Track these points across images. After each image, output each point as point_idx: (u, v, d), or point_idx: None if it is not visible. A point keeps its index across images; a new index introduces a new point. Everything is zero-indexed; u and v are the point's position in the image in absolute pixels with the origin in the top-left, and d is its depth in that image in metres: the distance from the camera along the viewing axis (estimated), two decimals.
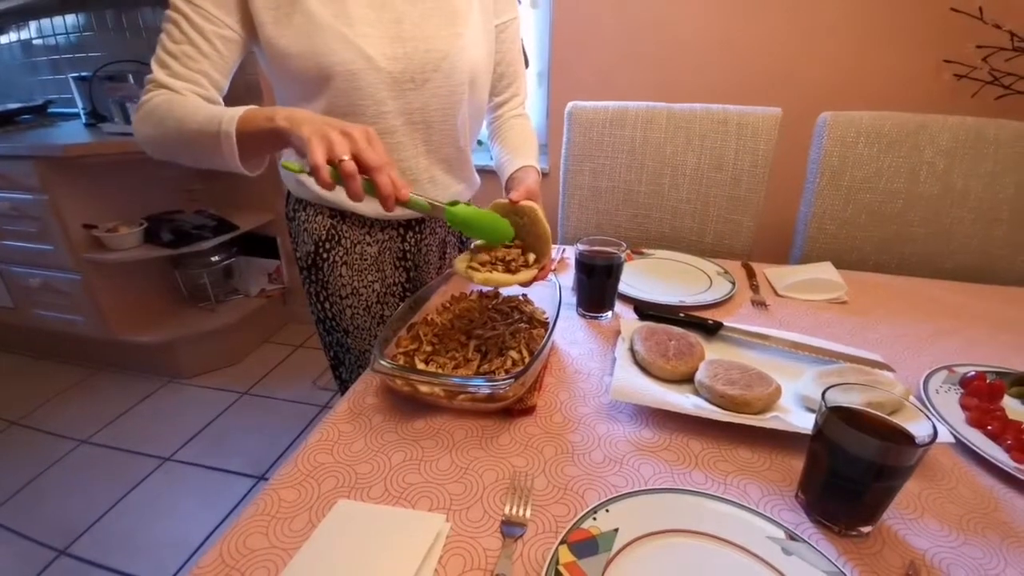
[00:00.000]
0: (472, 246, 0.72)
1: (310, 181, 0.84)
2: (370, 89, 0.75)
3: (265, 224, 2.30)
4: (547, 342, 0.65)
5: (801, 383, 0.66)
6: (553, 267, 0.75)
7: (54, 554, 1.40)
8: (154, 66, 0.68)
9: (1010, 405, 0.65)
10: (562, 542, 0.44)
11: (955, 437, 0.58)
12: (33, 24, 2.36)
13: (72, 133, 2.02)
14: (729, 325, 0.79)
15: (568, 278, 0.97)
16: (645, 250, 1.16)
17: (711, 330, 0.79)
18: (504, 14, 0.88)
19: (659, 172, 1.27)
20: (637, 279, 1.00)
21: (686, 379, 0.68)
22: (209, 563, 0.45)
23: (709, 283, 1.00)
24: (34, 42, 2.41)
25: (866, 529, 0.47)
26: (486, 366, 0.67)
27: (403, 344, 0.70)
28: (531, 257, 0.70)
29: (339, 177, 0.55)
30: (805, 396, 0.63)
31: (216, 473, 1.68)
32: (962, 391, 0.68)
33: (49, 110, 2.44)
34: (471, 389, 0.59)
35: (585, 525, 0.46)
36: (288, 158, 0.73)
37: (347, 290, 0.91)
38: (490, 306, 0.80)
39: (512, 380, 0.57)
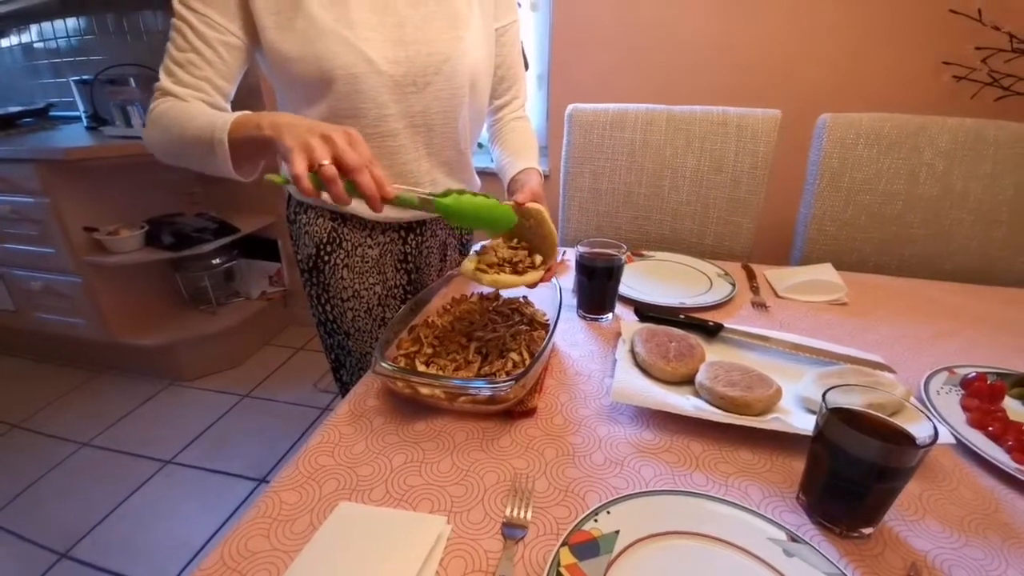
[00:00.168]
0: (478, 248, 0.72)
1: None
2: (372, 92, 0.75)
3: (266, 227, 2.30)
4: (548, 344, 0.65)
5: (802, 385, 0.66)
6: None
7: (55, 557, 1.40)
8: (161, 74, 0.70)
9: (1011, 406, 0.65)
10: (563, 544, 0.44)
11: (956, 438, 0.58)
12: (34, 27, 2.37)
13: (73, 136, 2.02)
14: (729, 327, 0.79)
15: (569, 280, 0.97)
16: (645, 252, 1.16)
17: (712, 332, 0.79)
18: (504, 17, 0.88)
19: (659, 174, 1.27)
20: (637, 281, 1.00)
21: (687, 381, 0.68)
22: (210, 566, 0.45)
23: (709, 285, 1.00)
24: (35, 45, 2.42)
25: (867, 530, 0.47)
26: (487, 368, 0.67)
27: (404, 346, 0.71)
28: (537, 259, 0.71)
29: (321, 183, 0.55)
30: (806, 398, 0.63)
31: (217, 476, 1.68)
32: (963, 392, 0.68)
33: (50, 113, 2.45)
34: (472, 391, 0.60)
35: (586, 527, 0.46)
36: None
37: (348, 293, 0.91)
38: (491, 308, 0.80)
39: (513, 382, 0.57)
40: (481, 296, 0.84)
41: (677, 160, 1.25)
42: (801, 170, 1.25)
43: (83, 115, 2.19)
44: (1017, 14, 1.39)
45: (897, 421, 0.48)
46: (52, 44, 2.37)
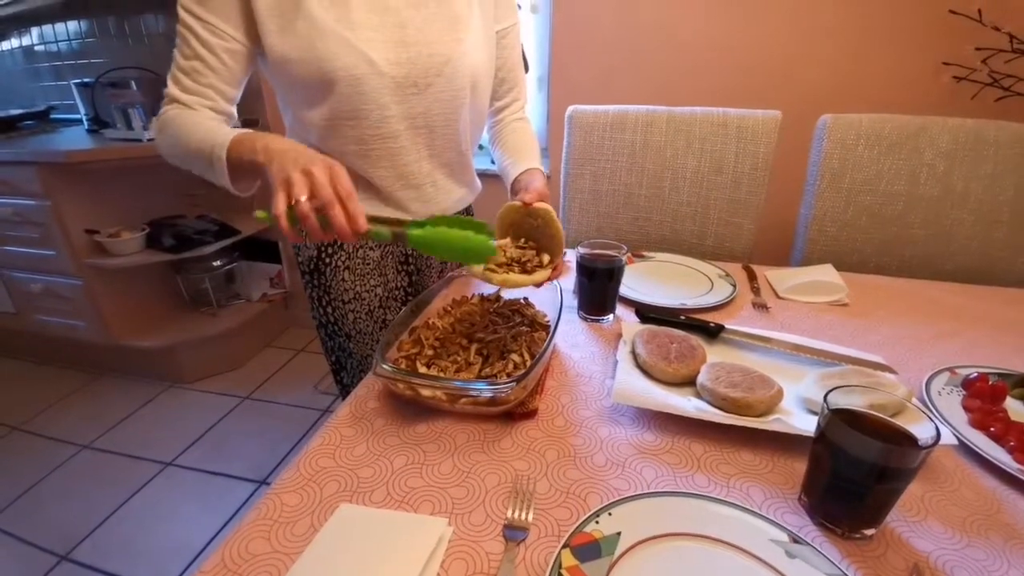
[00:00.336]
0: None
1: None
2: (373, 94, 0.75)
3: (267, 229, 2.30)
4: (549, 345, 0.65)
5: (803, 385, 0.66)
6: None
7: (55, 559, 1.40)
8: (169, 81, 0.72)
9: (1012, 407, 0.65)
10: (565, 546, 0.44)
11: (958, 439, 0.58)
12: (35, 30, 2.38)
13: (74, 139, 2.03)
14: (731, 328, 0.79)
15: (569, 281, 0.97)
16: (646, 253, 1.16)
17: (712, 333, 0.79)
18: (505, 20, 0.89)
19: (659, 175, 1.27)
20: (638, 282, 1.00)
21: (688, 382, 0.68)
22: (211, 568, 0.45)
23: (710, 286, 1.00)
24: (36, 48, 2.42)
25: (869, 532, 0.47)
26: (488, 370, 0.67)
27: (405, 348, 0.71)
28: (545, 258, 0.72)
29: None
30: (807, 398, 0.63)
31: (218, 478, 1.68)
32: (964, 393, 0.68)
33: (51, 116, 2.45)
34: (473, 393, 0.60)
35: (588, 529, 0.46)
36: None
37: (349, 295, 0.91)
38: (491, 309, 0.80)
39: (514, 383, 0.57)
40: (482, 297, 0.84)
41: (677, 161, 1.25)
42: (801, 171, 1.25)
43: (84, 118, 2.19)
44: (1017, 14, 1.39)
45: (899, 422, 0.48)
46: (53, 47, 2.38)
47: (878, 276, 1.08)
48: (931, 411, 0.64)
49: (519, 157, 0.91)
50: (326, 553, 0.45)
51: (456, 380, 0.63)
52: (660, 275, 1.06)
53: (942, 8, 1.44)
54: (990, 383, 0.66)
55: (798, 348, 0.74)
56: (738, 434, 0.59)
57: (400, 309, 0.96)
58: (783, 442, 0.58)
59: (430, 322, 0.76)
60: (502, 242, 0.73)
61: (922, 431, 0.46)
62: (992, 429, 0.60)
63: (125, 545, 1.44)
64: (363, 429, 0.61)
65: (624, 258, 0.84)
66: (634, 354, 0.73)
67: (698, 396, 0.65)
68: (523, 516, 0.49)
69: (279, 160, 0.59)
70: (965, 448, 0.58)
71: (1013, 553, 0.46)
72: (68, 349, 2.22)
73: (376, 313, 0.94)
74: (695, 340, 0.73)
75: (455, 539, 0.47)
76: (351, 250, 0.90)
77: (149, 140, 1.85)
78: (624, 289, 0.91)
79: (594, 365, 0.75)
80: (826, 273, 1.00)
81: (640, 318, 0.85)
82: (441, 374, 0.66)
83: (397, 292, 0.97)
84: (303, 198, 0.56)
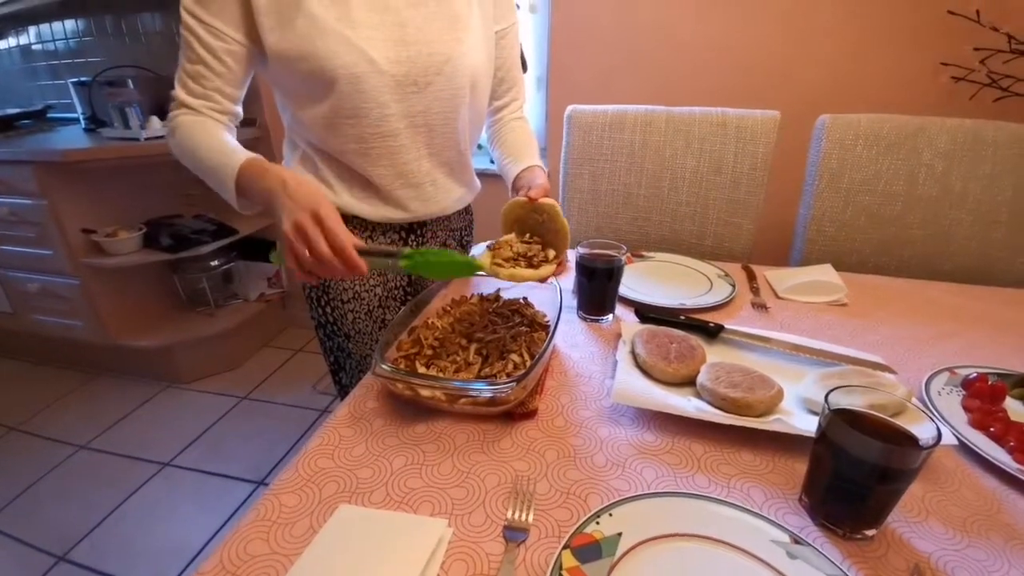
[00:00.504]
0: (489, 244, 0.73)
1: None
2: (373, 92, 0.75)
3: (265, 228, 2.30)
4: (548, 345, 0.64)
5: (803, 386, 0.66)
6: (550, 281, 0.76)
7: (53, 560, 1.40)
8: (176, 85, 0.75)
9: (1012, 407, 0.65)
10: (565, 547, 0.44)
11: (958, 439, 0.58)
12: (32, 29, 2.37)
13: (71, 138, 2.02)
14: (730, 328, 0.79)
15: (569, 281, 0.97)
16: (645, 253, 1.16)
17: (712, 333, 0.79)
18: (504, 20, 0.89)
19: (658, 175, 1.27)
20: (637, 282, 1.00)
21: (687, 382, 0.68)
22: (209, 569, 0.44)
23: (709, 286, 1.00)
24: (33, 47, 2.41)
25: (871, 532, 0.47)
26: (487, 370, 0.66)
27: (404, 348, 0.70)
28: (551, 253, 0.72)
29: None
30: (807, 399, 0.63)
31: (215, 478, 1.68)
32: (964, 393, 0.68)
33: (48, 115, 2.44)
34: (472, 393, 0.59)
35: (588, 529, 0.45)
36: None
37: (348, 294, 0.91)
38: (491, 309, 0.80)
39: (514, 384, 0.57)
40: (481, 297, 0.84)
41: (677, 161, 1.25)
42: (800, 171, 1.25)
43: (81, 117, 2.18)
44: (1015, 15, 1.39)
45: (899, 422, 0.48)
46: (50, 46, 2.37)
47: (877, 276, 1.08)
48: (931, 411, 0.64)
49: (519, 155, 0.91)
50: (325, 554, 0.45)
51: (455, 380, 0.63)
52: (659, 275, 1.06)
53: (940, 8, 1.44)
54: (990, 383, 0.66)
55: (797, 348, 0.74)
56: (738, 434, 0.59)
57: (399, 309, 0.96)
58: (783, 442, 0.58)
59: (429, 322, 0.76)
60: (507, 237, 0.74)
61: (923, 431, 0.46)
62: (992, 429, 0.60)
63: (123, 546, 1.44)
64: (362, 429, 0.61)
65: (623, 258, 0.84)
66: (634, 354, 0.72)
67: (698, 396, 0.65)
68: (523, 517, 0.49)
69: (281, 211, 0.63)
70: (965, 448, 0.58)
71: (1013, 553, 0.46)
72: (65, 349, 2.21)
73: (375, 313, 0.94)
74: (695, 340, 0.73)
75: (455, 540, 0.47)
76: None
77: (146, 139, 1.84)
78: (623, 289, 0.91)
79: (593, 365, 0.75)
80: (825, 273, 1.00)
81: (639, 318, 0.85)
82: (440, 374, 0.66)
83: (396, 292, 0.97)
84: (306, 253, 0.60)
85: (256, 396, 2.09)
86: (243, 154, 0.70)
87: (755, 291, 0.99)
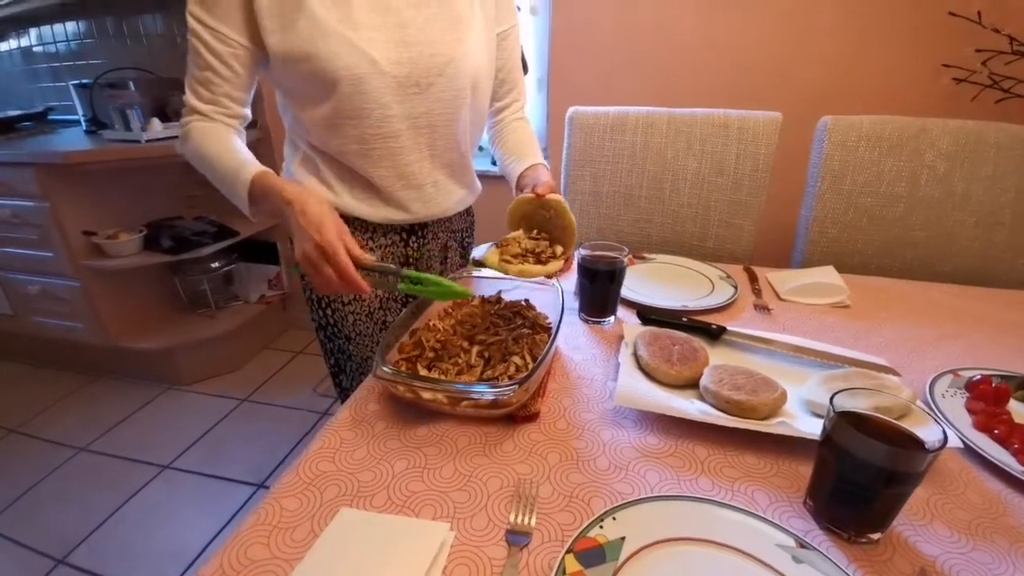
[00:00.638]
0: (498, 241, 0.73)
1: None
2: (375, 94, 0.75)
3: (265, 230, 2.30)
4: (551, 347, 0.64)
5: (806, 388, 0.65)
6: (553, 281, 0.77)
7: (52, 563, 1.39)
8: (187, 90, 0.76)
9: (1016, 409, 0.64)
10: (568, 551, 0.43)
11: (963, 442, 0.58)
12: (34, 31, 2.37)
13: (73, 140, 2.02)
14: (733, 330, 0.79)
15: (570, 283, 0.97)
16: (646, 255, 1.15)
17: (715, 335, 0.78)
18: (505, 22, 0.89)
19: (660, 177, 1.27)
20: (639, 284, 1.00)
21: (690, 384, 0.67)
22: (210, 574, 0.44)
23: (711, 287, 1.00)
24: (35, 49, 2.41)
25: (876, 536, 0.47)
26: (489, 372, 0.66)
27: (405, 350, 0.70)
28: (559, 249, 0.73)
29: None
30: (810, 401, 0.63)
31: (216, 481, 1.67)
32: (968, 395, 0.67)
33: (50, 117, 2.44)
34: (474, 395, 0.59)
35: (591, 533, 0.45)
36: None
37: (349, 296, 0.91)
38: (492, 311, 0.80)
39: (516, 386, 0.56)
40: (483, 299, 0.84)
41: (678, 163, 1.25)
42: (802, 173, 1.25)
43: (82, 119, 2.18)
44: (1017, 16, 1.39)
45: (904, 425, 0.48)
46: (51, 48, 2.37)
47: (879, 278, 1.08)
48: (935, 413, 0.64)
49: (522, 154, 0.92)
50: (326, 559, 0.44)
51: (457, 383, 0.63)
52: (661, 277, 1.05)
53: (942, 10, 1.44)
54: (994, 385, 0.66)
55: (801, 350, 0.74)
56: (741, 437, 0.59)
57: (400, 311, 0.96)
58: (787, 445, 0.58)
59: (431, 324, 0.76)
60: (515, 234, 0.75)
61: (929, 434, 0.46)
62: (996, 431, 0.60)
63: (123, 548, 1.43)
64: (363, 432, 0.61)
65: (625, 259, 0.83)
66: (636, 356, 0.72)
67: (701, 399, 0.64)
68: (526, 521, 0.48)
69: (291, 230, 0.68)
70: (969, 450, 0.58)
71: (1019, 556, 0.46)
72: (65, 351, 2.21)
73: (376, 315, 0.94)
74: (697, 342, 0.73)
75: (457, 544, 0.46)
76: None
77: (147, 141, 1.84)
78: (625, 291, 0.90)
79: (596, 367, 0.74)
80: (827, 275, 1.00)
81: (641, 320, 0.84)
82: (442, 377, 0.65)
83: (397, 294, 0.96)
84: (316, 277, 0.66)
85: (256, 398, 2.08)
86: (253, 167, 0.72)
87: (757, 293, 0.99)
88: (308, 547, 0.46)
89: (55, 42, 2.35)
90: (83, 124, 2.18)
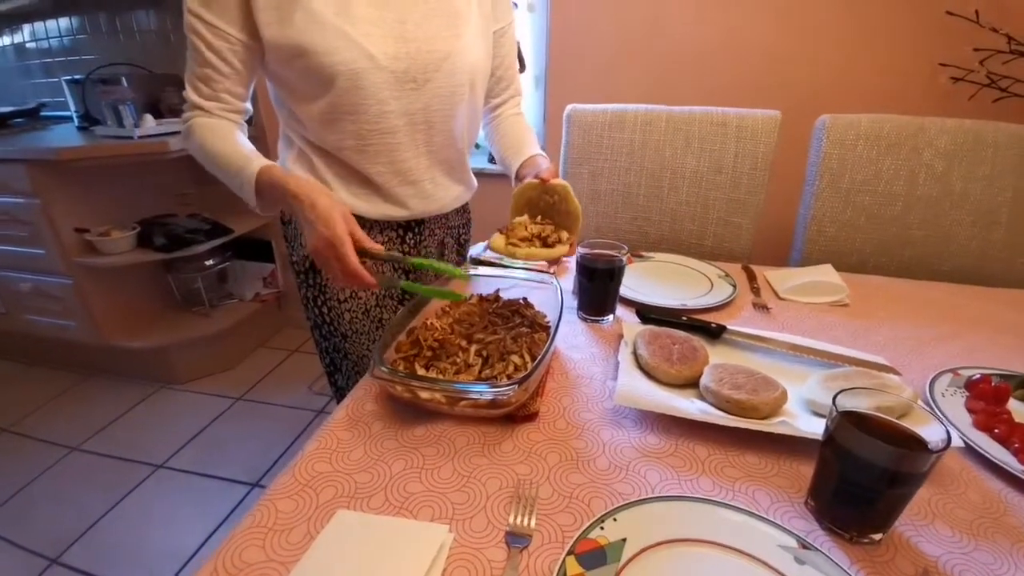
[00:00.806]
0: (502, 227, 0.73)
1: None
2: (372, 88, 0.74)
3: (260, 228, 2.29)
4: (550, 346, 0.64)
5: (806, 387, 0.65)
6: (553, 270, 0.76)
7: (46, 563, 1.38)
8: (187, 86, 0.76)
9: (1016, 408, 0.64)
10: (569, 553, 0.43)
11: (964, 441, 0.58)
12: (26, 27, 2.34)
13: (65, 136, 2.00)
14: (732, 328, 0.79)
15: (569, 281, 0.96)
16: (645, 253, 1.15)
17: (714, 334, 0.78)
18: (502, 19, 0.89)
19: (658, 175, 1.27)
20: (638, 282, 0.99)
21: (690, 383, 0.67)
22: None
23: (710, 286, 0.99)
24: (27, 45, 2.39)
25: (878, 536, 0.46)
26: (488, 371, 0.65)
27: (403, 349, 0.69)
28: (564, 234, 0.74)
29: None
30: (811, 400, 0.63)
31: (210, 480, 1.66)
32: (967, 394, 0.67)
33: (42, 113, 2.41)
34: (473, 395, 0.58)
35: (592, 535, 0.45)
36: None
37: (345, 294, 0.90)
38: (491, 310, 0.79)
39: (515, 386, 0.56)
40: (481, 298, 0.83)
41: (677, 161, 1.25)
42: (800, 171, 1.25)
43: (74, 115, 2.16)
44: (1015, 16, 1.39)
45: (906, 424, 0.48)
46: (44, 44, 2.35)
47: (878, 277, 1.08)
48: (937, 413, 0.63)
49: (520, 146, 0.92)
50: (323, 561, 0.44)
51: (456, 382, 0.62)
52: (660, 275, 1.05)
53: (939, 9, 1.44)
54: (993, 384, 0.66)
55: (801, 349, 0.74)
56: (742, 436, 0.58)
57: (397, 308, 0.95)
58: (788, 445, 0.57)
59: (428, 323, 0.75)
60: (520, 219, 0.76)
61: (931, 434, 0.45)
62: (996, 431, 0.60)
63: (116, 548, 1.42)
64: (360, 432, 0.60)
65: (624, 258, 0.83)
66: (636, 355, 0.72)
67: (701, 398, 0.64)
68: (525, 522, 0.48)
69: (302, 226, 0.71)
70: (970, 450, 0.58)
71: (1020, 556, 0.46)
72: (58, 349, 2.19)
73: (372, 312, 0.93)
74: (697, 341, 0.72)
75: (456, 546, 0.46)
76: None
77: (140, 138, 1.82)
78: (624, 289, 0.90)
79: (595, 366, 0.74)
80: (826, 274, 1.00)
81: (641, 319, 0.84)
82: (440, 376, 0.65)
83: (394, 291, 0.96)
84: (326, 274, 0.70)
85: (251, 397, 2.07)
86: (259, 161, 0.73)
87: (756, 291, 0.98)
88: (304, 550, 0.45)
89: (48, 38, 2.32)
90: (75, 120, 2.16)
